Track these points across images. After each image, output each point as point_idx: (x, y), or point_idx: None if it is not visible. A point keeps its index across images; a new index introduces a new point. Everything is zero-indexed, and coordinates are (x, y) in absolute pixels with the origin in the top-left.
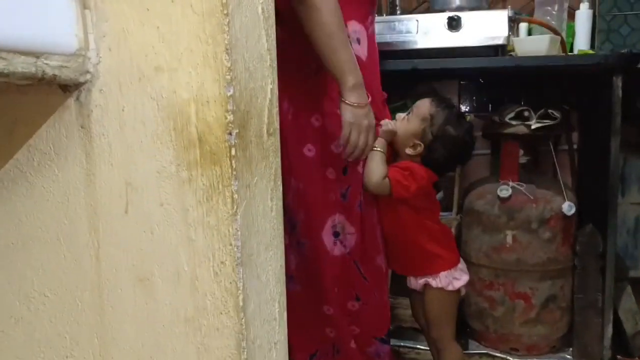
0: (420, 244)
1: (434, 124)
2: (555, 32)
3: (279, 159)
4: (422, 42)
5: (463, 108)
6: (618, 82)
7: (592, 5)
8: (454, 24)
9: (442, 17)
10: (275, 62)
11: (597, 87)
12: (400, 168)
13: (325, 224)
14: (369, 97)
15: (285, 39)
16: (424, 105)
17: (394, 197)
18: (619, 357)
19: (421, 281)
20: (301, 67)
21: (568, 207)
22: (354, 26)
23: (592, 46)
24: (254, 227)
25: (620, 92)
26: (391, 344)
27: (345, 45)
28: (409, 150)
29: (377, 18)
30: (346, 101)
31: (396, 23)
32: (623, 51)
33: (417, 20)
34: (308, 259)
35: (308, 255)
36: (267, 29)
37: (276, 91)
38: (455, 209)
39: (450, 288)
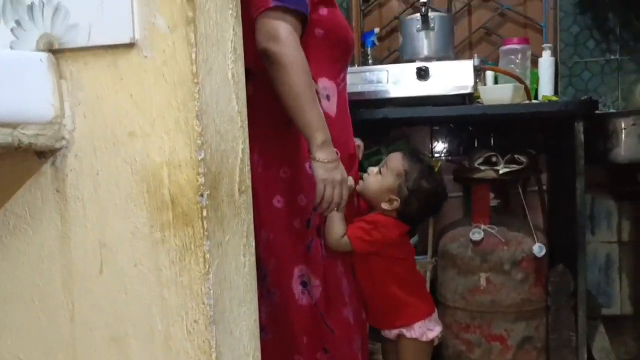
0: (394, 294)
1: (409, 179)
2: (519, 80)
3: (251, 215)
4: (393, 91)
5: (435, 152)
6: (579, 127)
7: (554, 53)
8: (422, 74)
9: (411, 68)
10: (246, 122)
11: (561, 131)
12: (365, 222)
13: (294, 273)
14: (337, 154)
15: (256, 93)
16: (397, 161)
17: (357, 253)
18: None
19: (395, 331)
20: (271, 121)
21: (538, 249)
22: (324, 83)
23: (556, 91)
24: (227, 284)
25: (582, 137)
26: None
27: (313, 104)
28: (385, 205)
29: (350, 69)
30: (316, 158)
31: (367, 73)
32: (583, 98)
33: (387, 71)
34: (278, 308)
35: (278, 304)
36: (237, 92)
37: (247, 150)
38: (430, 252)
39: (424, 339)
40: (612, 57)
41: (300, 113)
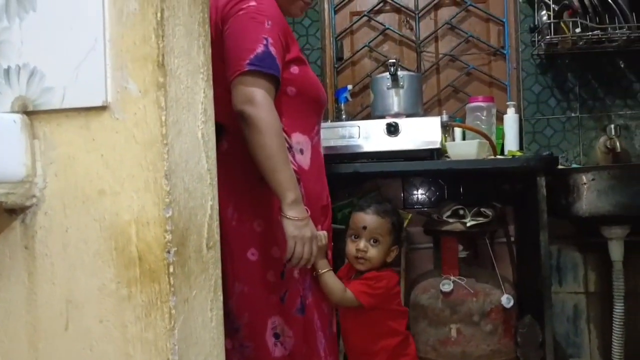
0: (387, 347)
1: (398, 227)
2: (484, 136)
3: (219, 270)
4: (365, 145)
5: (407, 204)
6: (542, 181)
7: (518, 110)
8: (392, 130)
9: (381, 123)
10: (216, 179)
11: (526, 185)
12: (366, 279)
13: (267, 325)
14: (307, 212)
15: (230, 149)
16: (381, 222)
17: (366, 307)
18: None
19: None
20: (245, 176)
21: (507, 300)
22: (298, 137)
23: (521, 147)
24: (192, 339)
25: (544, 191)
26: None
27: (284, 165)
28: (388, 259)
29: (324, 124)
30: (287, 216)
31: (340, 129)
32: (544, 154)
33: (358, 127)
34: None
35: (252, 357)
36: (207, 151)
37: (216, 206)
38: (402, 303)
39: None
40: (573, 114)
41: (272, 173)
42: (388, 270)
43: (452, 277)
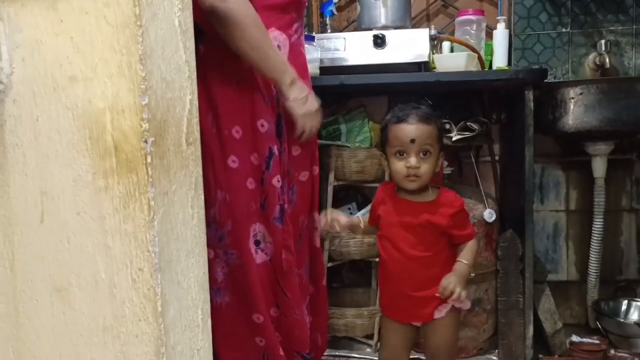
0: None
1: (442, 130)
2: (472, 49)
3: (199, 169)
4: (350, 59)
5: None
6: (529, 95)
7: (508, 25)
8: (379, 42)
9: (368, 35)
10: (195, 74)
11: (513, 101)
12: (452, 207)
13: (249, 232)
14: (306, 87)
15: (207, 52)
16: (430, 131)
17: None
18: (540, 356)
19: (446, 307)
20: (223, 81)
21: (489, 214)
22: (274, 33)
23: (510, 63)
24: (174, 234)
25: (532, 105)
26: (326, 354)
27: (272, 51)
28: (436, 169)
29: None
30: (289, 98)
31: (325, 41)
32: (534, 67)
33: (344, 38)
34: (236, 268)
35: (236, 264)
36: (185, 41)
37: (196, 102)
38: None
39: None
40: (564, 30)
41: (263, 62)
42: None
43: None
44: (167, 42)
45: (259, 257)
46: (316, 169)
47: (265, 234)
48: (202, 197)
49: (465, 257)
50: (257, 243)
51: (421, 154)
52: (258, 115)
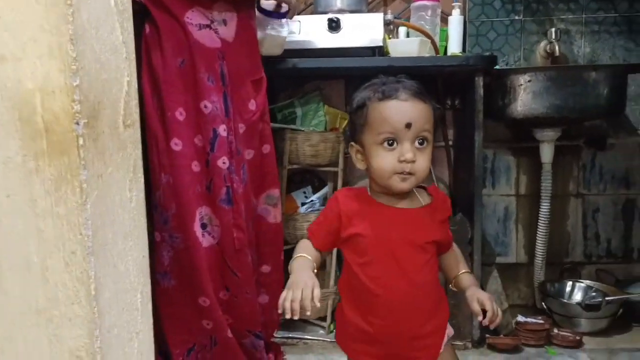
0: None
1: (435, 108)
2: (426, 34)
3: (139, 151)
4: (305, 42)
5: (349, 106)
6: (479, 81)
7: (463, 12)
8: (333, 25)
9: (322, 19)
10: (134, 55)
11: (465, 87)
12: (438, 210)
13: (195, 216)
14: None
15: (152, 32)
16: (428, 111)
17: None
18: (487, 335)
19: (445, 337)
20: (166, 62)
21: None
22: (221, 7)
23: (465, 50)
24: (109, 217)
25: (482, 91)
26: (279, 335)
27: None
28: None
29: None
30: None
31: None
32: (486, 54)
33: (299, 22)
34: (182, 252)
35: (181, 248)
36: (122, 21)
37: (135, 84)
38: None
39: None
40: (516, 17)
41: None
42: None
43: None
44: (102, 22)
45: (206, 241)
46: (267, 147)
47: (212, 217)
48: (142, 179)
49: (465, 266)
50: (203, 226)
51: (417, 143)
52: (201, 96)
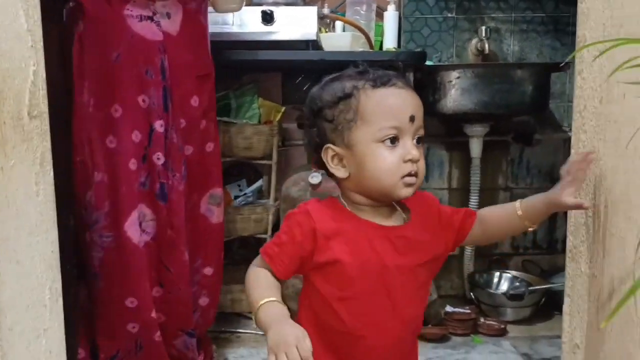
0: None
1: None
2: (359, 29)
3: (47, 143)
4: (239, 34)
5: (286, 99)
6: (410, 77)
7: (398, 8)
8: (267, 18)
9: (256, 11)
10: (41, 44)
11: None
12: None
13: (130, 215)
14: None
15: (87, 30)
16: (420, 102)
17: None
18: None
19: None
20: (101, 58)
21: None
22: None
23: (400, 45)
24: (11, 211)
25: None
26: (212, 329)
27: None
28: None
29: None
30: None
31: (212, 14)
32: (417, 50)
33: (233, 13)
34: (111, 251)
35: (112, 247)
36: (26, 9)
37: (42, 74)
38: (273, 196)
39: None
40: (449, 15)
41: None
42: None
43: (321, 171)
44: (3, 9)
45: (140, 238)
46: (211, 146)
47: (147, 213)
48: (51, 172)
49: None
50: (139, 223)
51: (415, 141)
52: (139, 91)
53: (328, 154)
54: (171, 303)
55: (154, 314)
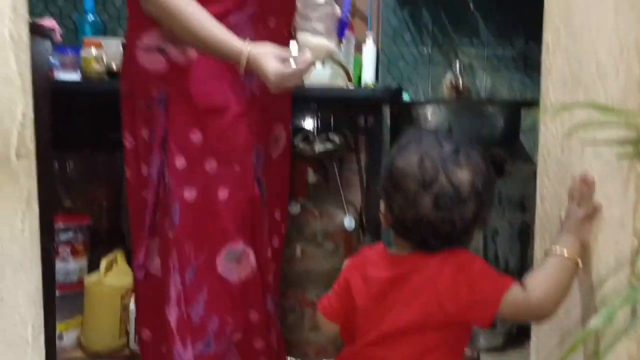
0: None
1: None
2: (339, 65)
3: (33, 182)
4: None
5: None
6: (386, 112)
7: (376, 41)
8: None
9: None
10: (30, 86)
11: (375, 115)
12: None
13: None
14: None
15: None
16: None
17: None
18: None
19: None
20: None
21: (348, 222)
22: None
23: (378, 79)
24: None
25: (388, 121)
26: None
27: (215, 39)
28: None
29: None
30: (261, 77)
31: None
32: (393, 86)
33: None
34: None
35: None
36: (17, 52)
37: (31, 114)
38: None
39: None
40: (425, 50)
41: (209, 51)
42: None
43: (300, 200)
44: None
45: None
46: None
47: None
48: (37, 209)
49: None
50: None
51: None
52: (141, 123)
53: None
54: None
55: None
